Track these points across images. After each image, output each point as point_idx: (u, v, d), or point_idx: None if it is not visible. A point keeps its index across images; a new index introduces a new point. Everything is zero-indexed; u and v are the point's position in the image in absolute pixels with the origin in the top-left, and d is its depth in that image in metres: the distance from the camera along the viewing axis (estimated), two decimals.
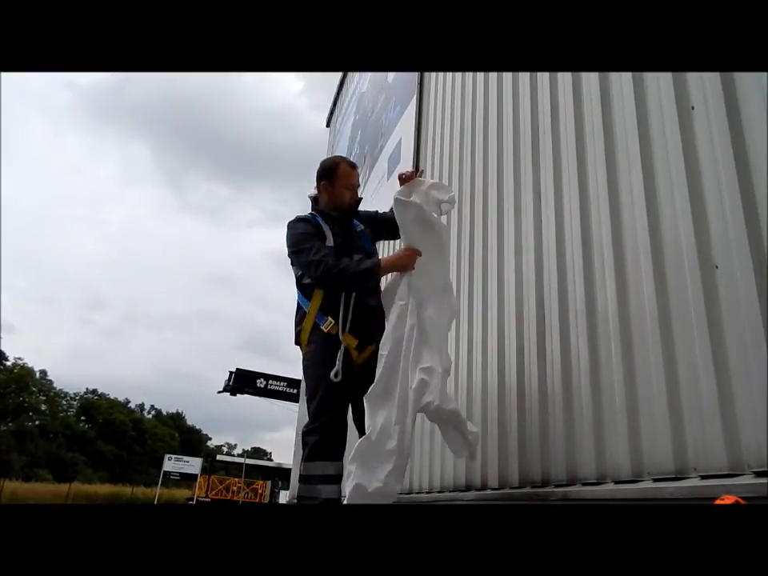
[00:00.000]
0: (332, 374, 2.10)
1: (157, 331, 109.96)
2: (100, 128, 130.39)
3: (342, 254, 2.22)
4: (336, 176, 2.35)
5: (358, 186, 2.43)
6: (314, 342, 2.22)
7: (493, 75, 3.33)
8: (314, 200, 2.44)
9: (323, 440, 2.10)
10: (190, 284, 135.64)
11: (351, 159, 2.47)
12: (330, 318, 2.19)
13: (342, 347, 2.15)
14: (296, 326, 2.30)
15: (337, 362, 2.12)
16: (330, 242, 2.27)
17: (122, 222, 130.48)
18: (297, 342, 2.32)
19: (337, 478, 2.08)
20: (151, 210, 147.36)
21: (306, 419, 2.17)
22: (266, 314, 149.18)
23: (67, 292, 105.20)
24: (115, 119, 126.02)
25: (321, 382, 2.13)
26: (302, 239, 2.26)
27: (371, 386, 2.03)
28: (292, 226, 2.33)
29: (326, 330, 2.19)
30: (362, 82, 7.93)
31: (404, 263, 2.18)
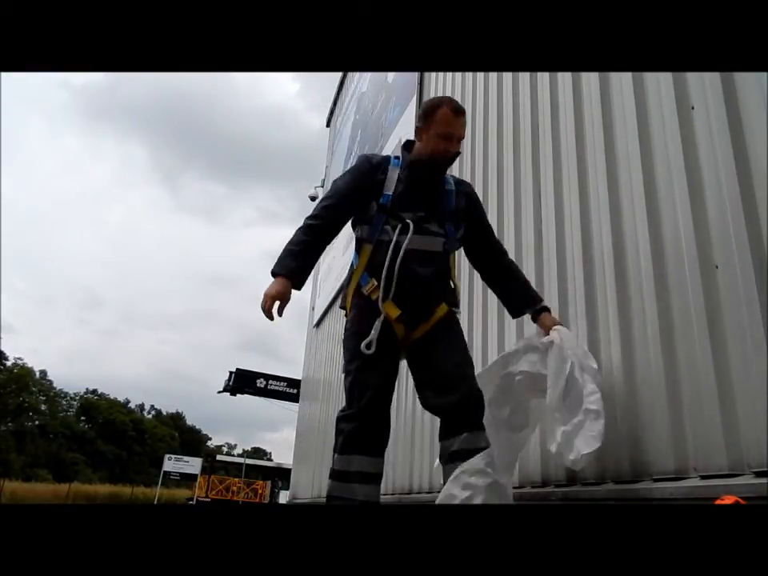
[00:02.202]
0: (363, 344, 1.74)
1: (155, 331, 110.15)
2: (95, 128, 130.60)
3: (399, 206, 1.86)
4: (432, 121, 1.87)
5: (461, 137, 1.90)
6: (355, 307, 1.90)
7: (493, 75, 3.33)
8: (410, 143, 2.01)
9: (361, 429, 1.75)
10: (188, 284, 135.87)
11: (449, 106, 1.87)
12: (372, 280, 1.84)
13: (381, 317, 1.77)
14: (345, 286, 1.99)
15: (372, 331, 1.75)
16: (388, 189, 1.89)
17: (118, 221, 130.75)
18: (342, 306, 2.01)
19: (376, 477, 1.77)
20: (147, 209, 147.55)
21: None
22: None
23: (65, 292, 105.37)
24: (110, 119, 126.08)
25: (355, 357, 1.80)
26: (344, 176, 1.98)
27: None
28: (358, 159, 2.02)
29: (366, 293, 1.85)
30: (362, 81, 7.93)
31: (268, 293, 1.73)
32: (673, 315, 1.67)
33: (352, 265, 1.95)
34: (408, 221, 1.83)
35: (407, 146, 2.00)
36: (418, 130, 1.92)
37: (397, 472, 3.85)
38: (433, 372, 1.81)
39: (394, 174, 1.91)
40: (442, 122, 1.85)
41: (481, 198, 3.18)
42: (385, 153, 5.78)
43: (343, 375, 1.86)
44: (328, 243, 1.94)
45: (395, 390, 1.88)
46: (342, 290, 2.02)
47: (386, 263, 1.79)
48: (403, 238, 1.81)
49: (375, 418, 1.77)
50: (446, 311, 1.86)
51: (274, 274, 1.78)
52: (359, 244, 1.92)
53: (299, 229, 1.87)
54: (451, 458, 1.69)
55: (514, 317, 2.10)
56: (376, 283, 1.82)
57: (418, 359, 1.86)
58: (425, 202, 1.89)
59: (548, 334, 1.86)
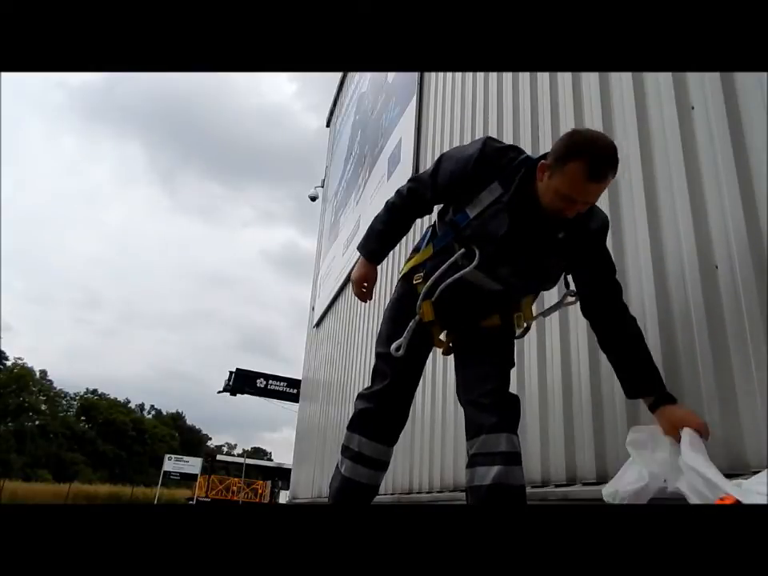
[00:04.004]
0: (393, 346, 1.64)
1: (154, 331, 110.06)
2: (92, 128, 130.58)
3: (474, 235, 1.56)
4: (560, 171, 1.40)
5: (588, 203, 1.46)
6: (399, 292, 1.83)
7: (493, 75, 3.33)
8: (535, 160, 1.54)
9: (371, 411, 1.73)
10: (187, 283, 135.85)
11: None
12: (424, 270, 1.71)
13: (416, 318, 1.65)
14: (408, 259, 1.86)
15: (405, 333, 1.63)
16: (473, 207, 1.55)
17: (117, 221, 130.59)
18: (400, 277, 1.88)
19: (371, 461, 1.71)
20: (145, 209, 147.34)
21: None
22: (263, 314, 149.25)
23: (64, 292, 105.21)
24: (108, 119, 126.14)
25: (385, 344, 1.72)
26: (447, 160, 1.64)
27: None
28: (464, 148, 1.65)
29: (414, 282, 1.74)
30: (362, 82, 7.93)
31: (355, 278, 1.80)
32: (673, 315, 1.67)
33: (421, 243, 1.79)
34: (475, 250, 1.56)
35: (530, 165, 1.52)
36: (542, 166, 1.46)
37: (397, 472, 3.85)
38: (466, 370, 1.74)
39: (494, 192, 1.53)
40: (568, 180, 1.38)
41: None
42: (385, 153, 5.80)
43: (376, 344, 1.82)
44: (414, 221, 1.85)
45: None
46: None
47: (433, 278, 1.61)
48: (466, 263, 1.57)
49: (388, 405, 1.74)
50: (496, 322, 1.71)
51: (360, 251, 1.83)
52: (432, 234, 1.75)
53: (388, 204, 1.78)
54: (471, 462, 1.58)
55: (629, 397, 1.59)
56: (422, 277, 1.70)
57: (460, 356, 1.79)
58: (507, 251, 1.56)
59: (671, 432, 1.37)
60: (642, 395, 1.52)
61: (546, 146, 2.57)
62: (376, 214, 1.83)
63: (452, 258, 1.59)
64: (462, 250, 1.59)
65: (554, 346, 2.25)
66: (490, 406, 1.59)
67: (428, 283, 1.63)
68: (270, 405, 21.62)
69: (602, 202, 2.06)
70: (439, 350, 1.85)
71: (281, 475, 21.01)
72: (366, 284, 1.81)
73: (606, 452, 1.85)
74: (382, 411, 1.73)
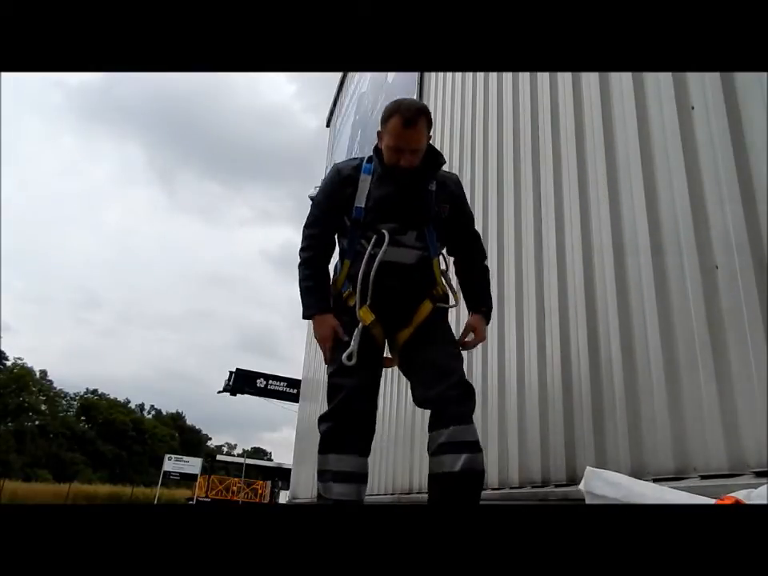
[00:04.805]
0: (344, 356, 1.75)
1: (154, 331, 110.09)
2: (91, 128, 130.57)
3: (372, 218, 1.82)
4: (385, 131, 1.80)
5: (414, 149, 1.79)
6: (335, 311, 1.91)
7: (493, 75, 3.33)
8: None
9: (335, 428, 1.76)
10: (186, 283, 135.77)
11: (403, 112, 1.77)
12: (351, 286, 1.84)
13: (360, 326, 1.77)
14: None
15: (352, 342, 1.75)
16: (359, 202, 1.84)
17: (116, 221, 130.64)
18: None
19: (352, 476, 1.74)
20: (143, 208, 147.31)
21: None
22: (262, 314, 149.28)
23: (63, 292, 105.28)
24: (106, 119, 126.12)
25: (333, 362, 1.83)
26: (318, 195, 1.96)
27: None
28: (329, 171, 1.97)
29: (344, 298, 1.87)
30: (362, 82, 7.93)
31: (320, 337, 1.87)
32: (673, 315, 1.67)
33: (335, 272, 1.95)
34: (384, 231, 1.80)
35: (378, 150, 1.88)
36: (378, 134, 1.85)
37: (397, 472, 3.85)
38: (421, 370, 1.82)
39: (365, 185, 1.86)
40: (392, 134, 1.77)
41: (481, 199, 3.20)
42: None
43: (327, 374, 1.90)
44: (329, 262, 1.97)
45: (382, 390, 1.89)
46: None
47: (360, 276, 1.78)
48: (377, 250, 1.79)
49: (349, 417, 1.77)
50: (429, 310, 1.85)
51: (307, 317, 1.89)
52: (341, 255, 1.93)
53: (300, 265, 1.92)
54: (438, 450, 1.70)
55: (468, 309, 2.03)
56: (352, 291, 1.83)
57: (408, 361, 1.87)
58: (400, 211, 1.83)
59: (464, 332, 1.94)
60: (471, 310, 2.00)
61: (546, 145, 2.57)
62: (298, 281, 1.92)
63: (368, 249, 1.80)
64: (374, 237, 1.80)
65: (554, 346, 2.26)
66: (456, 398, 1.73)
67: (358, 286, 1.78)
68: (270, 405, 21.65)
69: (603, 202, 2.07)
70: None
71: (281, 475, 21.01)
72: (336, 333, 1.83)
73: (606, 452, 1.86)
74: (347, 423, 1.77)
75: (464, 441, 1.68)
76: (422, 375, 1.81)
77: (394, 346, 1.90)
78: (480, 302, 2.00)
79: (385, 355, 1.93)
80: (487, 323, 1.99)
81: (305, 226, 1.96)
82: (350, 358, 1.74)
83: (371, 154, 1.90)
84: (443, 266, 1.95)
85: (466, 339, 1.93)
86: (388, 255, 1.79)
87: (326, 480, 1.75)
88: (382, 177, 1.85)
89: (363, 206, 1.84)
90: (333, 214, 1.90)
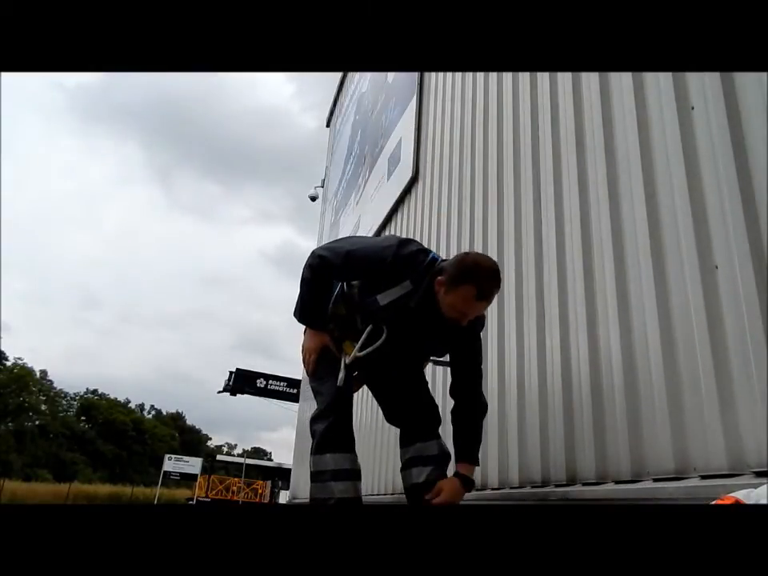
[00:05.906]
0: (338, 381, 1.87)
1: (153, 331, 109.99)
2: (90, 128, 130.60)
3: (381, 321, 1.87)
4: (455, 289, 1.68)
5: (474, 317, 1.78)
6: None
7: (493, 75, 3.33)
8: (437, 268, 1.77)
9: (333, 427, 1.82)
10: (186, 283, 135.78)
11: (487, 270, 1.70)
12: (336, 325, 2.00)
13: (344, 356, 1.92)
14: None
15: (340, 373, 1.87)
16: (383, 298, 1.79)
17: (115, 221, 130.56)
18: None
19: (351, 473, 1.81)
20: (143, 208, 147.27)
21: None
22: (261, 314, 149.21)
23: (63, 292, 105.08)
24: (105, 119, 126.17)
25: (315, 375, 1.97)
26: (359, 250, 1.82)
27: None
28: (386, 247, 1.78)
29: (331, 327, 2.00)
30: (362, 82, 7.93)
31: (308, 347, 1.97)
32: (673, 315, 1.67)
33: (335, 293, 1.98)
34: (383, 328, 1.86)
35: (433, 269, 1.76)
36: (438, 281, 1.72)
37: (397, 472, 3.85)
38: (386, 390, 2.06)
39: (399, 291, 1.76)
40: (461, 299, 1.68)
41: (481, 199, 3.20)
42: (385, 153, 5.79)
43: (310, 379, 2.00)
44: (330, 285, 2.00)
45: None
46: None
47: (354, 352, 1.89)
48: (372, 342, 1.86)
49: (343, 416, 1.87)
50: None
51: (303, 322, 2.00)
52: (341, 297, 1.96)
53: (307, 279, 1.89)
54: (406, 465, 1.94)
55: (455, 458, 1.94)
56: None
57: (373, 379, 2.08)
58: (410, 339, 1.91)
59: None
60: (457, 461, 1.89)
61: (545, 145, 2.57)
62: (300, 289, 1.95)
63: (363, 336, 1.88)
64: (370, 327, 1.87)
65: (554, 346, 2.25)
66: (422, 418, 1.96)
67: (354, 354, 1.88)
68: (270, 405, 21.66)
69: (603, 202, 2.07)
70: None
71: (281, 475, 21.02)
72: (324, 348, 1.95)
73: (606, 452, 1.85)
74: (341, 421, 1.86)
75: (430, 455, 1.88)
76: (393, 400, 2.03)
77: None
78: (466, 454, 1.87)
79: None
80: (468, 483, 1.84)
81: (326, 256, 1.85)
82: (341, 382, 1.87)
83: (430, 259, 1.78)
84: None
85: (434, 500, 1.78)
86: (381, 346, 1.88)
87: (324, 480, 1.76)
88: (419, 305, 1.77)
89: (382, 305, 1.79)
90: (356, 276, 1.90)
